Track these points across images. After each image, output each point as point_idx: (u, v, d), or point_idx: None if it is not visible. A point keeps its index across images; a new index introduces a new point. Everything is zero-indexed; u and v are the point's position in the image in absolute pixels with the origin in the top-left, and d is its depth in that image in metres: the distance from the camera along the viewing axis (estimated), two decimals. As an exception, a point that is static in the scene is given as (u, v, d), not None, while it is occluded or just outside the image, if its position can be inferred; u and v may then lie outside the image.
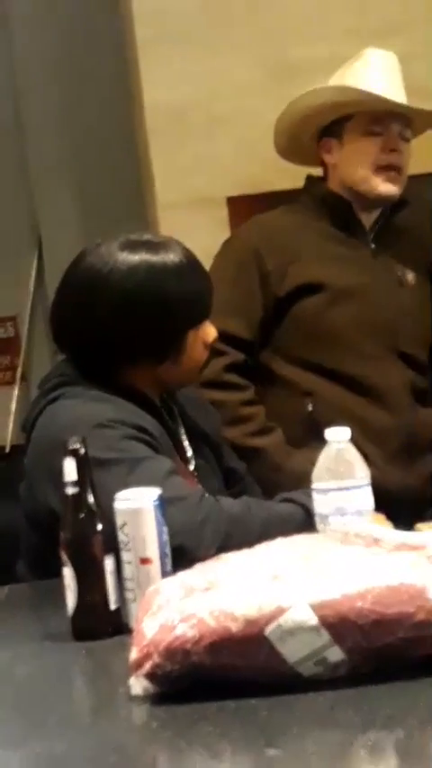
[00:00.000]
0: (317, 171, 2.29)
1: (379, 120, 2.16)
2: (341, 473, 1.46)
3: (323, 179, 2.25)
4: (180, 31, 2.79)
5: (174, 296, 1.62)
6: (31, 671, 1.27)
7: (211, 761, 1.01)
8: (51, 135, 3.80)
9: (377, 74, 2.17)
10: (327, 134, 2.21)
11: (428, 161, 2.46)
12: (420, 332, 2.23)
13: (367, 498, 1.47)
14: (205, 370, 2.02)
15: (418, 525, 1.61)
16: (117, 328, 1.62)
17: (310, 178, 2.27)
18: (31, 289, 3.74)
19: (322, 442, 1.82)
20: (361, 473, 1.47)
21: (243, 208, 2.79)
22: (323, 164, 2.24)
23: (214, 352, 2.07)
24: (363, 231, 2.20)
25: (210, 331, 1.70)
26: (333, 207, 2.20)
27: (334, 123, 2.20)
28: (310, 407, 2.10)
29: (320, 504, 1.46)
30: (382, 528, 1.52)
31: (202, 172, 2.78)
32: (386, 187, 2.16)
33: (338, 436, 1.48)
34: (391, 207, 2.22)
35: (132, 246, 1.64)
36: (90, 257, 1.65)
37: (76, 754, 1.04)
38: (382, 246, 2.21)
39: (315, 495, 1.47)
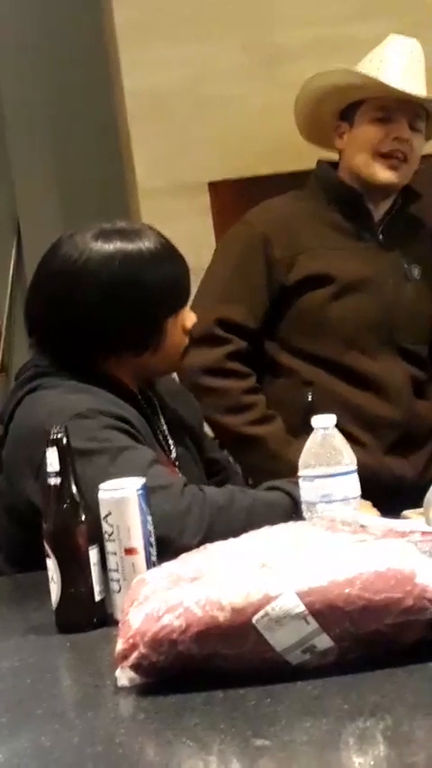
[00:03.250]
0: (324, 154, 2.26)
1: (387, 108, 2.13)
2: (327, 459, 1.45)
3: (334, 166, 2.22)
4: (161, 14, 2.76)
5: (150, 283, 1.61)
6: (16, 665, 1.26)
7: (198, 752, 1.00)
8: (30, 122, 3.76)
9: (392, 60, 2.14)
10: (342, 118, 2.19)
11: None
12: (422, 327, 2.22)
13: (354, 485, 1.46)
14: (207, 357, 2.01)
15: (406, 512, 1.60)
16: (94, 319, 1.60)
17: (320, 163, 2.24)
18: (10, 278, 3.71)
19: None
20: (347, 459, 1.46)
21: (225, 193, 2.77)
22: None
23: (217, 339, 2.06)
24: (372, 223, 2.17)
25: (189, 316, 1.68)
26: (343, 197, 2.17)
27: (349, 107, 2.17)
28: (310, 397, 2.10)
29: (307, 491, 1.46)
30: (369, 515, 1.51)
31: (183, 158, 2.76)
32: (385, 174, 2.13)
33: (325, 422, 1.47)
34: (403, 199, 2.20)
35: (106, 236, 1.62)
36: (64, 248, 1.63)
37: (63, 746, 1.03)
38: (391, 239, 2.19)
39: (302, 483, 1.46)
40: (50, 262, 1.64)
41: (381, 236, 2.18)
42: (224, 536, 1.28)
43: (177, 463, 1.69)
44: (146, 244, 1.62)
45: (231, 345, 2.10)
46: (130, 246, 1.61)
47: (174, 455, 1.70)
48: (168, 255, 1.64)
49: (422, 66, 2.18)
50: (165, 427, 1.71)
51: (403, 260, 2.20)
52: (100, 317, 1.59)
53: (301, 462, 1.47)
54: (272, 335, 2.14)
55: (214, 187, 2.80)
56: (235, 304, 2.09)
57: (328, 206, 2.18)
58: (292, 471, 1.52)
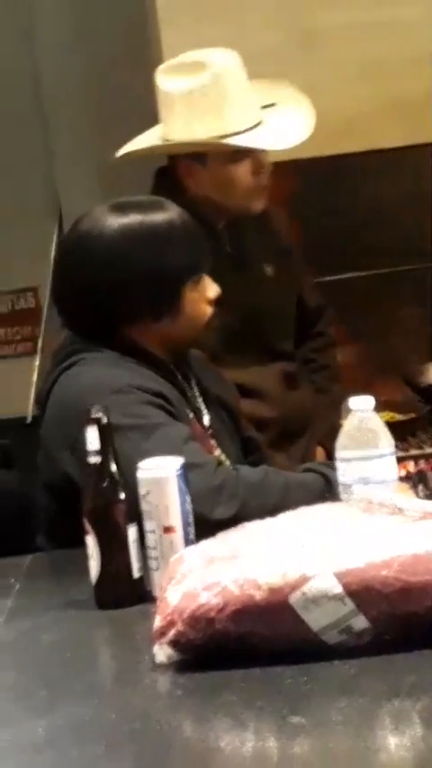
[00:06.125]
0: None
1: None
2: (365, 442, 1.44)
3: (176, 182, 2.12)
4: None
5: (166, 250, 1.62)
6: (55, 639, 1.27)
7: (235, 729, 1.00)
8: (72, 105, 3.77)
9: (226, 100, 2.03)
10: (186, 157, 2.10)
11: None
12: (285, 324, 2.21)
13: (392, 467, 1.46)
14: None
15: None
16: (111, 286, 1.61)
17: (159, 175, 2.17)
18: (52, 260, 3.73)
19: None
20: (385, 442, 1.45)
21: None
22: (174, 173, 2.13)
23: None
24: (219, 237, 2.11)
25: (210, 287, 1.69)
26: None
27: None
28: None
29: (344, 473, 1.45)
30: (407, 497, 1.51)
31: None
32: (260, 205, 2.11)
33: (362, 405, 1.46)
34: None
35: (122, 208, 1.65)
36: (82, 224, 1.66)
37: (101, 721, 1.05)
38: (237, 246, 2.15)
39: (339, 465, 1.46)
40: (69, 238, 1.69)
41: (229, 248, 2.13)
42: (257, 515, 1.29)
43: (212, 433, 1.70)
44: (162, 215, 1.64)
45: None
46: (145, 217, 1.63)
47: (208, 426, 1.70)
48: (184, 225, 1.65)
49: (245, 76, 2.08)
50: (200, 400, 1.72)
51: (253, 262, 2.16)
52: (115, 282, 1.61)
53: (338, 444, 1.47)
54: None
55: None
56: None
57: None
58: None
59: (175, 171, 2.14)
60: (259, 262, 2.19)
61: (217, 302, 1.71)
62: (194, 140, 2.06)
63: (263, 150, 2.09)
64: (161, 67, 2.16)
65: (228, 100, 2.07)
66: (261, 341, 2.16)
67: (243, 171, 2.09)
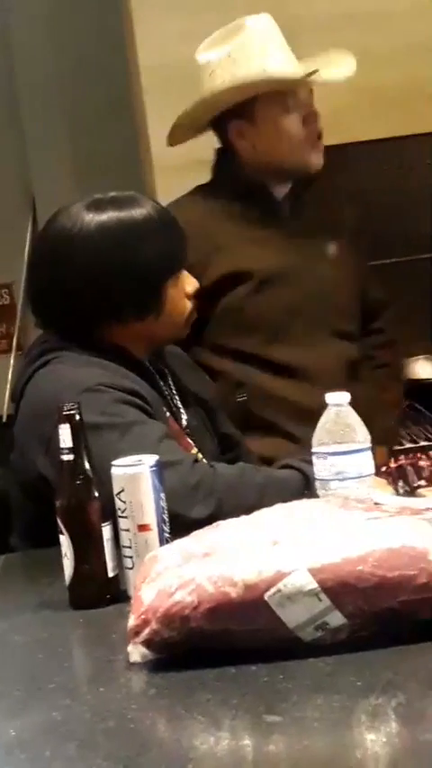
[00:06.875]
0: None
1: (288, 94, 2.09)
2: (341, 437, 1.44)
3: (232, 155, 2.15)
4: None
5: (146, 248, 1.61)
6: (29, 640, 1.26)
7: (209, 728, 1.00)
8: (45, 99, 3.75)
9: (268, 46, 2.08)
10: (233, 116, 2.11)
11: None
12: (350, 305, 2.19)
13: (368, 462, 1.45)
14: None
15: (421, 490, 1.59)
16: (92, 286, 1.60)
17: (220, 153, 2.18)
18: (26, 255, 3.71)
19: (255, 432, 1.76)
20: (361, 436, 1.45)
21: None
22: (228, 143, 2.15)
23: None
24: (279, 210, 2.14)
25: (189, 281, 1.68)
26: (248, 189, 2.13)
27: (238, 105, 2.10)
28: (241, 397, 2.07)
29: (321, 468, 1.45)
30: (384, 492, 1.51)
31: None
32: (317, 159, 2.11)
33: (338, 399, 1.46)
34: (299, 180, 2.17)
35: (98, 205, 1.63)
36: (58, 221, 1.64)
37: (75, 721, 1.04)
38: (300, 223, 2.15)
39: (315, 460, 1.46)
40: (46, 236, 1.66)
41: (290, 222, 2.14)
42: (235, 513, 1.28)
43: (189, 431, 1.69)
44: (139, 210, 1.63)
45: None
46: (122, 214, 1.62)
47: (185, 424, 1.69)
48: (162, 220, 1.64)
49: (282, 38, 2.12)
50: (177, 398, 1.71)
51: (317, 241, 2.16)
52: (98, 283, 1.59)
53: (314, 439, 1.46)
54: (200, 341, 2.09)
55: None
56: None
57: (235, 200, 2.13)
58: None
59: (229, 142, 2.13)
60: (323, 238, 2.17)
61: (196, 296, 1.70)
62: (239, 83, 2.05)
63: (308, 101, 2.08)
64: (199, 48, 2.14)
65: (271, 45, 2.09)
66: (323, 321, 2.12)
67: (293, 121, 2.09)
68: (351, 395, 2.11)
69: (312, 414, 2.05)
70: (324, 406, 2.05)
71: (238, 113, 2.11)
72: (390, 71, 2.68)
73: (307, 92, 2.13)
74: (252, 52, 2.09)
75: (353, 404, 2.12)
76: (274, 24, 2.14)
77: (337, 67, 2.15)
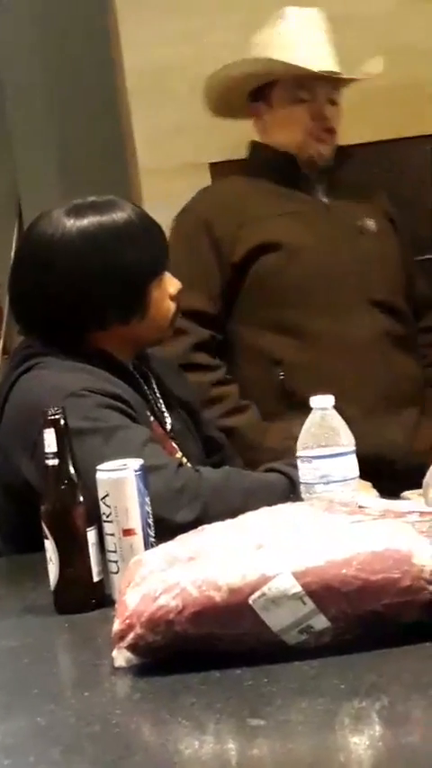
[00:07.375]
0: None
1: (304, 86, 2.16)
2: (326, 440, 1.44)
3: (265, 144, 2.25)
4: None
5: (127, 251, 1.62)
6: (13, 645, 1.26)
7: (194, 732, 1.00)
8: (31, 101, 3.74)
9: (298, 37, 2.16)
10: (256, 97, 2.22)
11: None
12: (392, 277, 2.20)
13: (352, 465, 1.46)
14: (171, 350, 1.98)
15: (405, 493, 1.60)
16: (75, 291, 1.60)
17: (253, 144, 2.27)
18: (12, 260, 3.69)
19: (296, 411, 1.79)
20: (346, 440, 1.45)
21: (226, 173, 2.75)
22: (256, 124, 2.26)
23: (179, 331, 2.02)
24: (311, 185, 2.19)
25: (171, 282, 1.69)
26: (277, 164, 2.20)
27: (262, 86, 2.20)
28: (281, 376, 2.08)
29: (305, 472, 1.45)
30: (368, 496, 1.51)
31: (184, 137, 2.74)
32: (316, 149, 2.18)
33: (322, 403, 1.46)
34: (336, 158, 2.23)
35: (78, 210, 1.63)
36: (38, 227, 1.64)
37: (59, 726, 1.03)
38: (335, 198, 2.20)
39: (300, 464, 1.46)
40: (27, 241, 1.67)
41: (325, 198, 2.19)
42: (220, 517, 1.28)
43: (173, 435, 1.69)
44: (119, 214, 1.63)
45: (194, 336, 2.09)
46: (104, 218, 1.62)
47: (170, 428, 1.69)
48: (142, 223, 1.65)
49: (326, 36, 2.19)
50: (161, 401, 1.71)
51: (353, 216, 2.19)
52: (80, 287, 1.60)
53: (299, 443, 1.46)
54: (235, 316, 2.12)
55: (216, 167, 2.77)
56: (192, 292, 2.02)
57: (266, 176, 2.19)
58: (272, 458, 1.51)
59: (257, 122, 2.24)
60: (360, 215, 2.20)
61: (177, 297, 1.71)
62: (249, 66, 2.16)
63: (324, 97, 2.16)
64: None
65: (299, 36, 2.18)
66: (360, 290, 2.13)
67: (301, 113, 2.17)
68: (395, 370, 2.14)
69: (356, 390, 2.05)
70: (363, 376, 2.08)
71: (259, 95, 2.22)
72: (390, 71, 2.68)
73: (328, 88, 2.17)
74: (279, 41, 2.17)
75: (401, 380, 2.14)
76: (318, 18, 2.21)
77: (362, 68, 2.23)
